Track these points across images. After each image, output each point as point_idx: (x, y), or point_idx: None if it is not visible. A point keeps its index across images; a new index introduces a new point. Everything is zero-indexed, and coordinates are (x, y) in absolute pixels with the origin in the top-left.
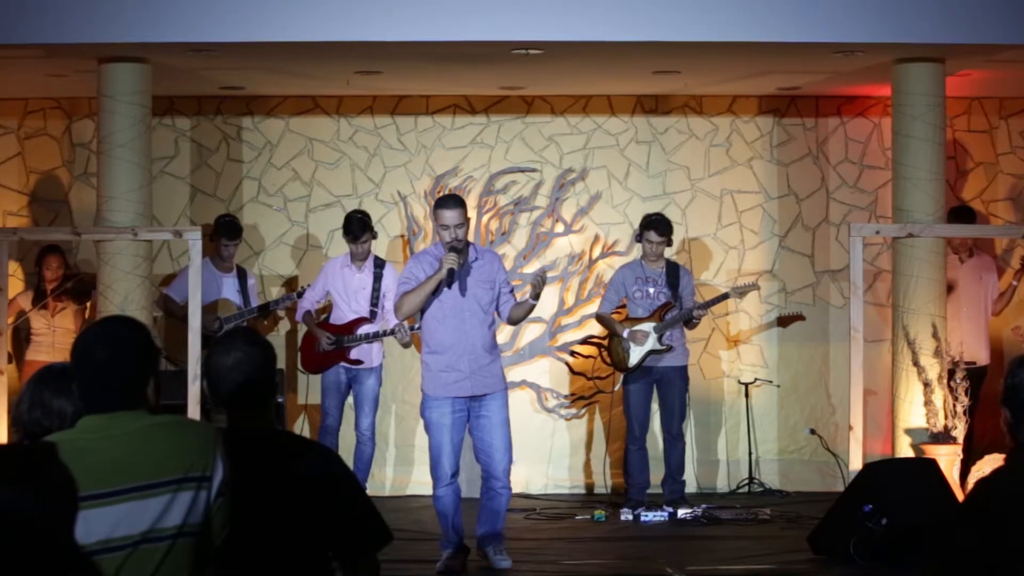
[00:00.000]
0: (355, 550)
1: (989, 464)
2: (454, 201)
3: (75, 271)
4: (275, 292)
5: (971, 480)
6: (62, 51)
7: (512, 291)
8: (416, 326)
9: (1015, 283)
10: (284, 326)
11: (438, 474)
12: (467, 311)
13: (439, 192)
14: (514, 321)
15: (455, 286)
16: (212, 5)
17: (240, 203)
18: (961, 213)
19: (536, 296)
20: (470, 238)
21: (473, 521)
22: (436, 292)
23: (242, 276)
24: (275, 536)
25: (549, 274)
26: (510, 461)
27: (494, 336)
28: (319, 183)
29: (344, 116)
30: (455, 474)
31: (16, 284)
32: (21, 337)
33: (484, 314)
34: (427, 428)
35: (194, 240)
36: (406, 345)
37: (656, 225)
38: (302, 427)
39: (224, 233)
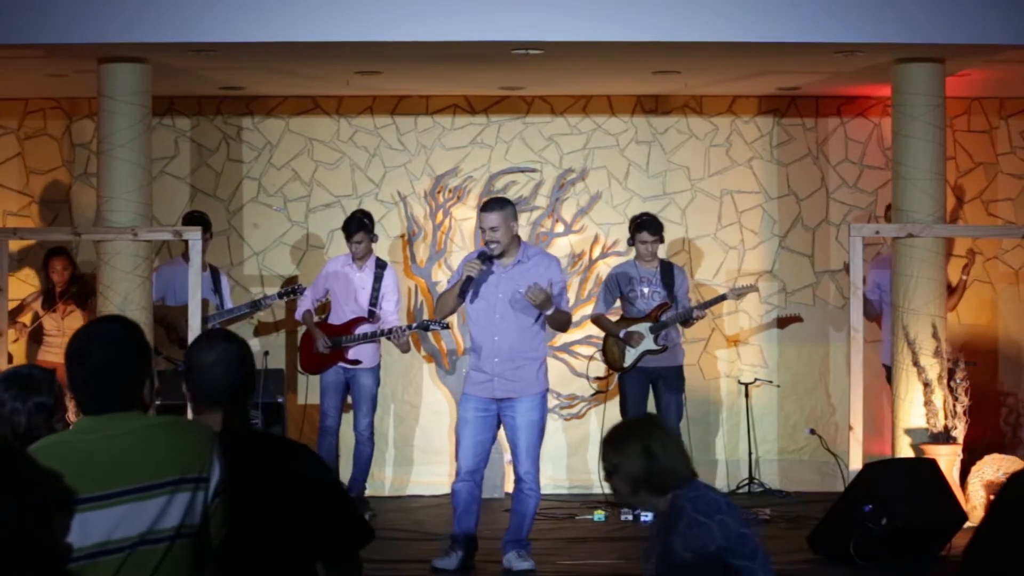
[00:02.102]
0: (338, 550)
1: (990, 464)
2: (492, 204)
3: (81, 272)
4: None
5: (971, 480)
6: (62, 51)
7: (559, 294)
8: (413, 325)
9: (964, 277)
10: (281, 323)
11: (457, 468)
12: (498, 314)
13: (439, 192)
14: (554, 329)
15: (469, 294)
16: (212, 5)
17: (240, 203)
18: None
19: (540, 308)
20: (463, 238)
21: (481, 523)
22: (464, 295)
23: (215, 275)
24: (257, 536)
25: None
26: (533, 464)
27: (534, 340)
28: (319, 183)
29: (344, 116)
30: (473, 472)
31: (24, 289)
32: (33, 338)
33: (517, 317)
34: (457, 420)
35: (194, 240)
36: (404, 349)
37: (647, 225)
38: (302, 427)
39: (189, 224)
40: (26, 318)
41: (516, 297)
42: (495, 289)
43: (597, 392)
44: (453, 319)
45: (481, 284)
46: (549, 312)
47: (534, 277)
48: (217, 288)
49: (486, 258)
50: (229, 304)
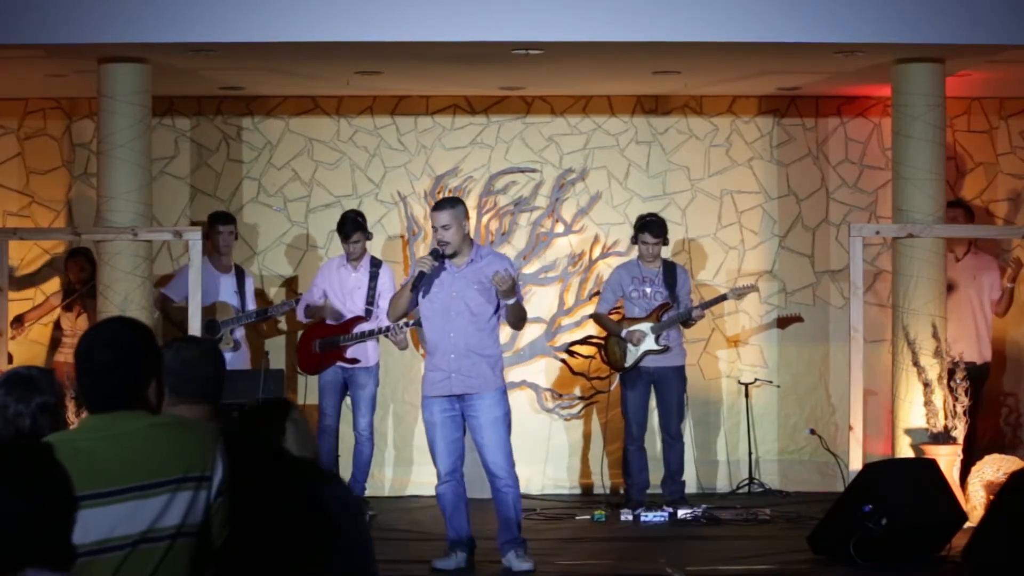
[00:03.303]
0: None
1: (990, 464)
2: (443, 203)
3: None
4: (274, 292)
5: (971, 480)
6: (62, 51)
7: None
8: (411, 322)
9: (1010, 284)
10: (284, 327)
11: (437, 471)
12: (453, 311)
13: (439, 192)
14: (512, 325)
15: (422, 291)
16: (212, 5)
17: (240, 203)
18: (954, 204)
19: (505, 296)
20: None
21: (479, 523)
22: (419, 293)
23: (240, 276)
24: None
25: (549, 274)
26: (506, 457)
27: (488, 337)
28: (319, 183)
29: (344, 116)
30: (452, 472)
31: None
32: (53, 338)
33: (473, 315)
34: (424, 426)
35: (194, 240)
36: (402, 346)
37: (650, 227)
38: None
39: (218, 219)
40: (49, 317)
41: (470, 295)
42: (449, 288)
43: (598, 392)
44: None
45: (434, 283)
46: (511, 302)
47: (487, 275)
48: (240, 290)
49: (438, 256)
50: (252, 306)
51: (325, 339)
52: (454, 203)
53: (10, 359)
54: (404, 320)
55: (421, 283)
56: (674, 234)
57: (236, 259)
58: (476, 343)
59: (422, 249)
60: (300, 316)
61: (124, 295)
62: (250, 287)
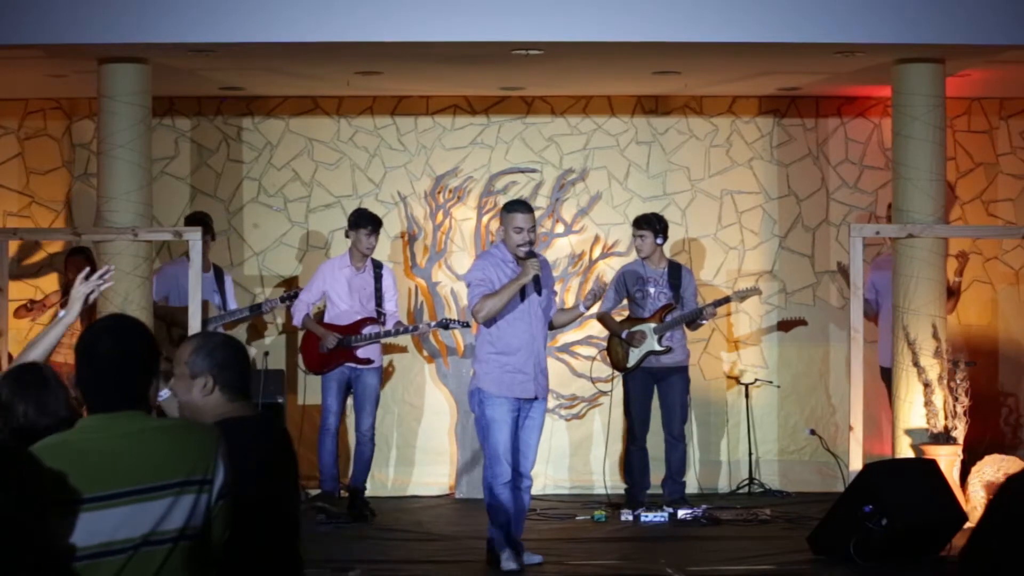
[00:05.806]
0: None
1: (990, 464)
2: (526, 205)
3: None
4: (273, 292)
5: (971, 480)
6: (62, 51)
7: (556, 295)
8: (433, 324)
9: (957, 279)
10: (280, 327)
11: (498, 471)
12: (533, 315)
13: (439, 192)
14: (558, 325)
15: (530, 289)
16: (212, 5)
17: (240, 203)
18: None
19: (588, 307)
20: (463, 238)
21: (477, 523)
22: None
23: (219, 275)
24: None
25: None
26: (535, 461)
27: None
28: (319, 183)
29: (344, 116)
30: (512, 475)
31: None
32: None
33: (545, 318)
34: (487, 426)
35: (194, 240)
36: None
37: (638, 222)
38: (302, 427)
39: (188, 222)
40: (45, 317)
41: (540, 299)
42: (528, 291)
43: (599, 392)
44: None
45: (528, 287)
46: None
47: (548, 278)
48: (220, 289)
49: (531, 257)
50: (233, 305)
51: (336, 337)
52: (531, 207)
53: (10, 359)
54: (427, 322)
55: (541, 286)
56: (674, 234)
57: (236, 259)
58: (545, 347)
59: (422, 249)
60: (297, 320)
61: (124, 295)
62: (229, 286)
